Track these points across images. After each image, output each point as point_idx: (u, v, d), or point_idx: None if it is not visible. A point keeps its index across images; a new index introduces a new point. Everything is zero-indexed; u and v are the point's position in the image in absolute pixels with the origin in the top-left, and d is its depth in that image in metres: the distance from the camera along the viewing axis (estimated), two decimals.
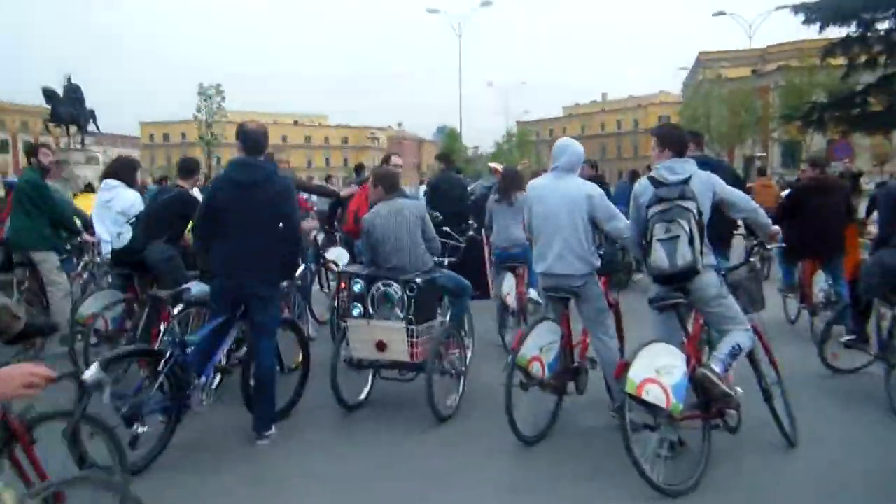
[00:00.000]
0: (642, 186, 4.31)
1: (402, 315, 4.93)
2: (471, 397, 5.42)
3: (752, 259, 4.72)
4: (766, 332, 4.57)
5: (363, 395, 5.40)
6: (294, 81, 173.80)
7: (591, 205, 4.72)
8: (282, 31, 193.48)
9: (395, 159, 7.16)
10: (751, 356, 4.48)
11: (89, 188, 13.31)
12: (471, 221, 7.30)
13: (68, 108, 28.88)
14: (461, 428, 4.97)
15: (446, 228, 6.11)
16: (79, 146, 27.66)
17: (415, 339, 4.92)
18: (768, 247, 4.81)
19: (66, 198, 8.74)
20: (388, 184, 5.44)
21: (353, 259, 7.03)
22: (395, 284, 4.94)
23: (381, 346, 4.99)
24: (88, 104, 28.51)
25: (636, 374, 3.79)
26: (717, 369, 4.03)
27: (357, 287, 5.03)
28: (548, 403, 4.86)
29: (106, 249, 6.52)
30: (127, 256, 6.18)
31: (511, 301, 7.02)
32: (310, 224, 6.50)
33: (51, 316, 6.46)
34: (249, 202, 4.50)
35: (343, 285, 5.07)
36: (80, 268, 7.64)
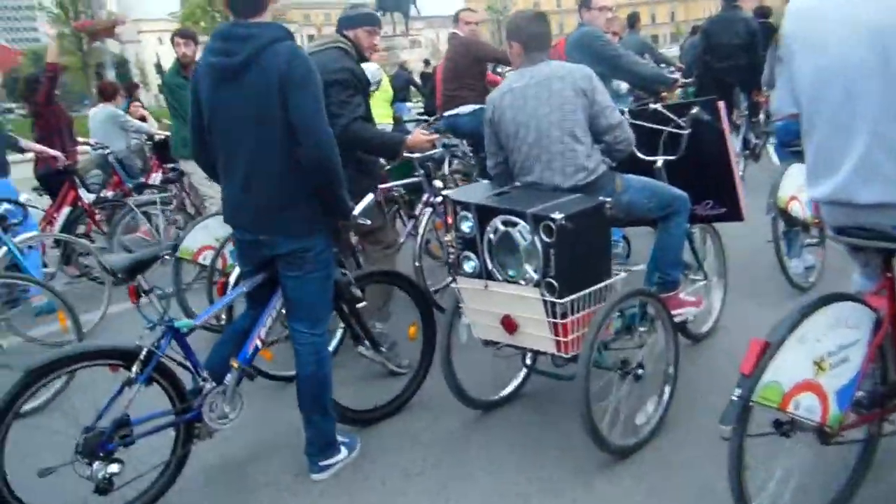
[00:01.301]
0: None
1: (534, 275, 2.70)
2: (695, 399, 3.08)
3: None
4: None
5: (508, 390, 3.35)
6: None
7: None
8: None
9: None
10: None
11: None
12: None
13: None
14: (648, 472, 2.72)
15: (656, 106, 3.47)
16: (403, 32, 28.52)
17: (560, 320, 2.69)
18: None
19: None
20: (527, 38, 3.08)
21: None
22: (521, 223, 2.70)
23: (509, 324, 2.86)
24: None
25: None
26: None
27: (466, 225, 2.89)
28: (837, 458, 2.38)
29: None
30: None
31: (799, 209, 4.25)
32: (418, 139, 3.79)
33: None
34: (236, 100, 2.60)
35: (450, 220, 2.96)
36: None
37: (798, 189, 4.21)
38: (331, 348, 3.59)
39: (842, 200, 2.18)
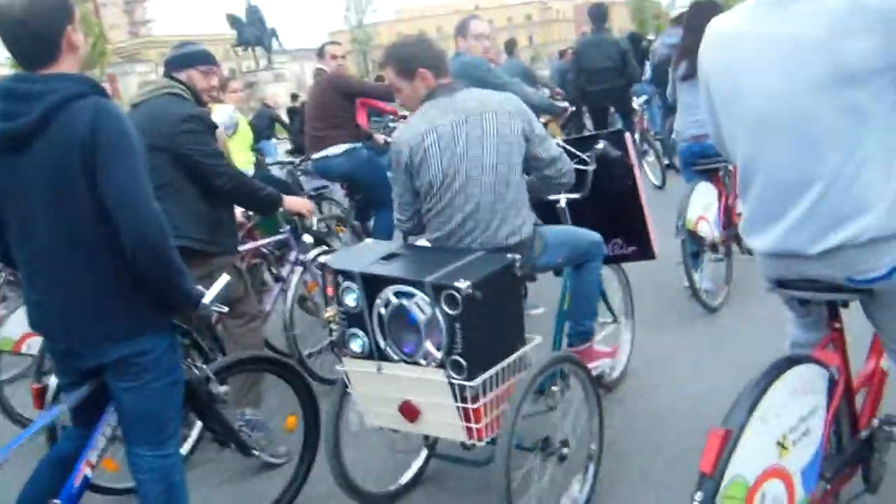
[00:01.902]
0: None
1: (437, 353, 2.25)
2: (620, 467, 2.74)
3: None
4: None
5: (408, 476, 2.87)
6: None
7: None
8: None
9: (475, 26, 4.33)
10: None
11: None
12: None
13: (252, 30, 28.89)
14: None
15: (557, 140, 3.16)
16: (266, 66, 27.82)
17: (471, 405, 2.25)
18: None
19: None
20: (434, 61, 2.67)
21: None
22: (418, 294, 2.25)
23: (408, 410, 2.39)
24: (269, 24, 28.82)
25: None
26: None
27: (350, 298, 2.40)
28: None
29: None
30: None
31: (707, 229, 4.19)
32: (295, 205, 3.49)
33: None
34: (25, 176, 1.98)
35: (331, 291, 2.46)
36: None
37: (705, 208, 4.18)
38: (185, 449, 3.02)
39: (786, 252, 1.88)
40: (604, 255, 2.95)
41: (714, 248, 4.30)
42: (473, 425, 2.27)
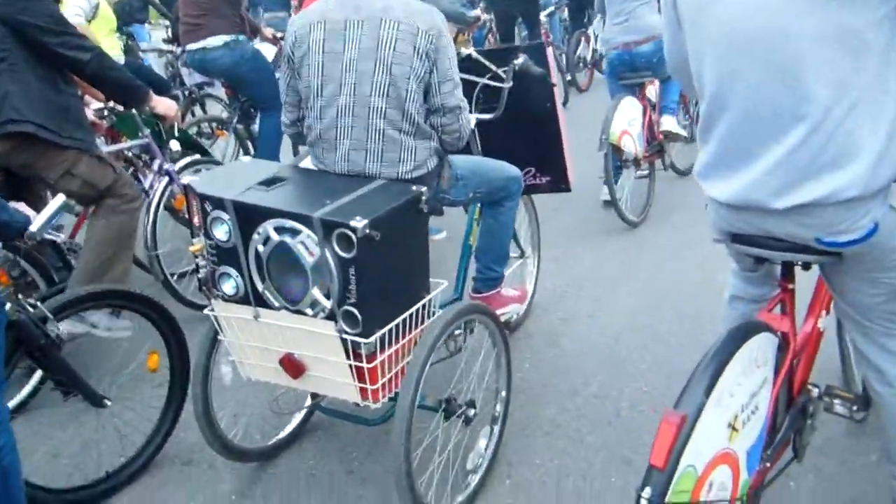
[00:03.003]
0: None
1: (327, 303, 1.86)
2: (529, 418, 2.51)
3: None
4: None
5: (290, 428, 2.51)
6: None
7: None
8: None
9: None
10: None
11: None
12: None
13: None
14: None
15: (470, 51, 2.70)
16: None
17: (366, 364, 1.89)
18: None
19: None
20: None
21: None
22: (305, 230, 1.82)
23: (291, 365, 2.00)
24: None
25: None
26: None
27: (221, 230, 1.94)
28: None
29: None
30: None
31: (630, 144, 4.04)
32: (160, 105, 2.97)
33: None
34: None
35: (197, 220, 2.00)
36: None
37: (629, 123, 4.04)
38: (19, 398, 2.57)
39: (751, 204, 1.58)
40: (520, 192, 2.60)
41: (637, 163, 4.21)
42: (368, 386, 1.92)
